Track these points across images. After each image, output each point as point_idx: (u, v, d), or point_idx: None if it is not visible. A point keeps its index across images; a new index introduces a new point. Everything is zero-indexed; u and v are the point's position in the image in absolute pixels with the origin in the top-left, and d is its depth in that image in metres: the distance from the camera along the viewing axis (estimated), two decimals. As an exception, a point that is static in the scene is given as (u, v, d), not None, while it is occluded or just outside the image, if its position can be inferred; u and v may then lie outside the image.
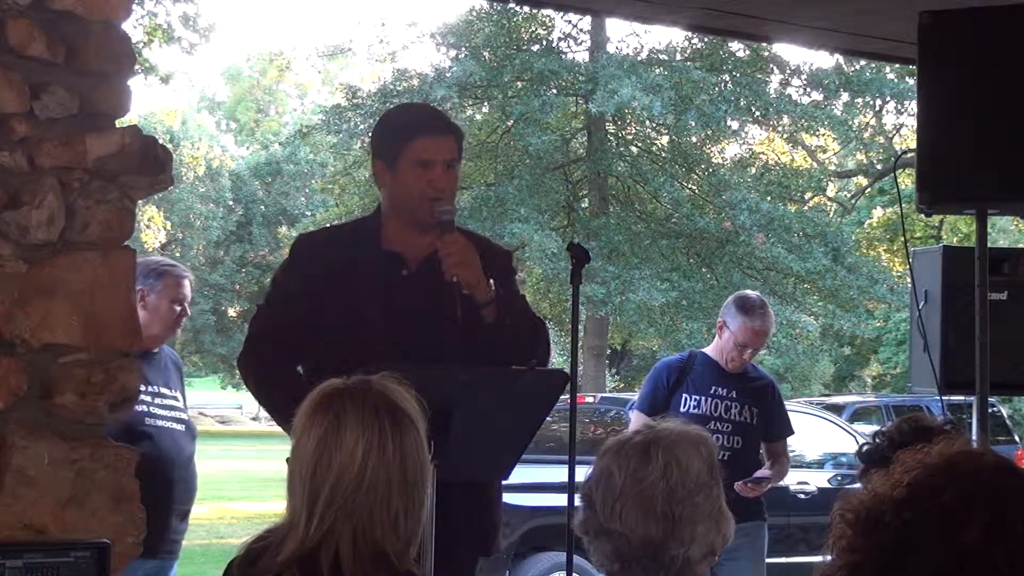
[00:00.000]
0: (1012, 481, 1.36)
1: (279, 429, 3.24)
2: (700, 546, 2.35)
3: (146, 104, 45.22)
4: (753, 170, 23.79)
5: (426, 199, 3.45)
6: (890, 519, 1.34)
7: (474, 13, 22.69)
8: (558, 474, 7.98)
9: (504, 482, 3.50)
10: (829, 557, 1.42)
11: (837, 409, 14.58)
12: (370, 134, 3.70)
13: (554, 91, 21.32)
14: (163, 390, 4.68)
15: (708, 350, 5.87)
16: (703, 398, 5.72)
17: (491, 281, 3.44)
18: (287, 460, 2.35)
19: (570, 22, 22.22)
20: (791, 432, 5.99)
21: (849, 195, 30.34)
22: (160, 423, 4.61)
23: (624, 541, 2.34)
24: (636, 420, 5.90)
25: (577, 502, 2.53)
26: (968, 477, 1.35)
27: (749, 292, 5.99)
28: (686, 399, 5.73)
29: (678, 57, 22.27)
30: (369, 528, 2.24)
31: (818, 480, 9.77)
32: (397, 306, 3.45)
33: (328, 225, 3.94)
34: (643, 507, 2.34)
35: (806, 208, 24.58)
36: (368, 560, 2.23)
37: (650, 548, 2.33)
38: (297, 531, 2.26)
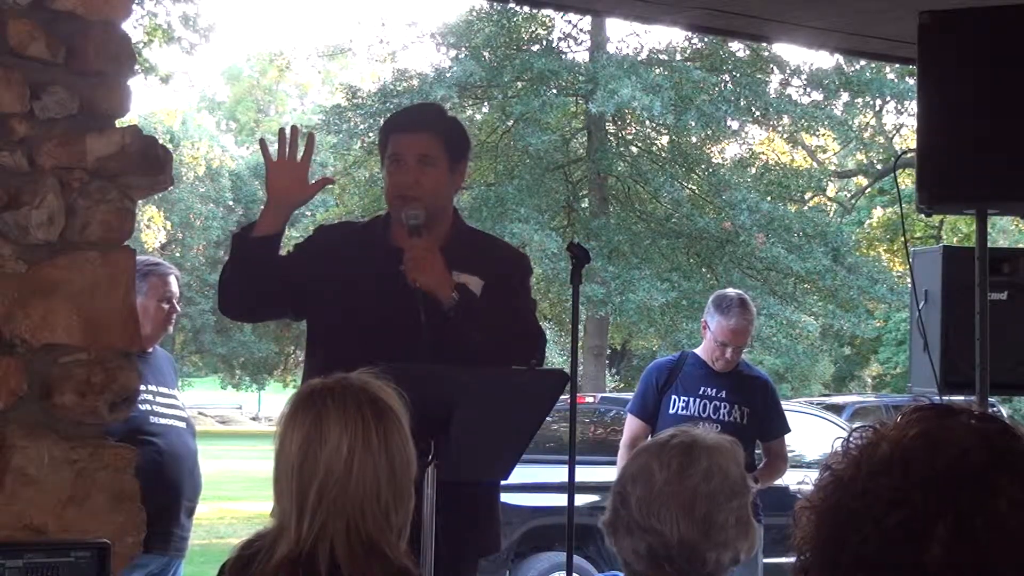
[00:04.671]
0: (972, 480, 1.24)
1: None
2: (731, 551, 2.38)
3: (146, 104, 45.23)
4: (753, 170, 23.76)
5: (392, 196, 3.54)
6: (848, 533, 1.27)
7: (474, 13, 22.67)
8: (558, 474, 7.98)
9: (504, 482, 3.49)
10: (795, 558, 1.38)
11: (837, 409, 14.56)
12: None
13: (554, 91, 21.30)
14: (162, 389, 4.69)
15: (699, 350, 5.86)
16: (691, 399, 5.71)
17: (455, 287, 3.40)
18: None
19: (570, 22, 22.20)
20: (787, 430, 5.95)
21: (849, 195, 30.32)
22: (164, 421, 4.63)
23: (661, 540, 2.35)
24: (629, 422, 5.89)
25: (591, 500, 2.53)
26: (925, 482, 1.24)
27: (729, 291, 5.97)
28: (674, 400, 5.72)
29: (678, 57, 22.25)
30: (362, 522, 2.23)
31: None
32: (385, 296, 3.47)
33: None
34: (684, 507, 2.36)
35: (806, 208, 24.55)
36: (363, 555, 2.22)
37: (687, 549, 2.35)
38: (289, 532, 2.25)
